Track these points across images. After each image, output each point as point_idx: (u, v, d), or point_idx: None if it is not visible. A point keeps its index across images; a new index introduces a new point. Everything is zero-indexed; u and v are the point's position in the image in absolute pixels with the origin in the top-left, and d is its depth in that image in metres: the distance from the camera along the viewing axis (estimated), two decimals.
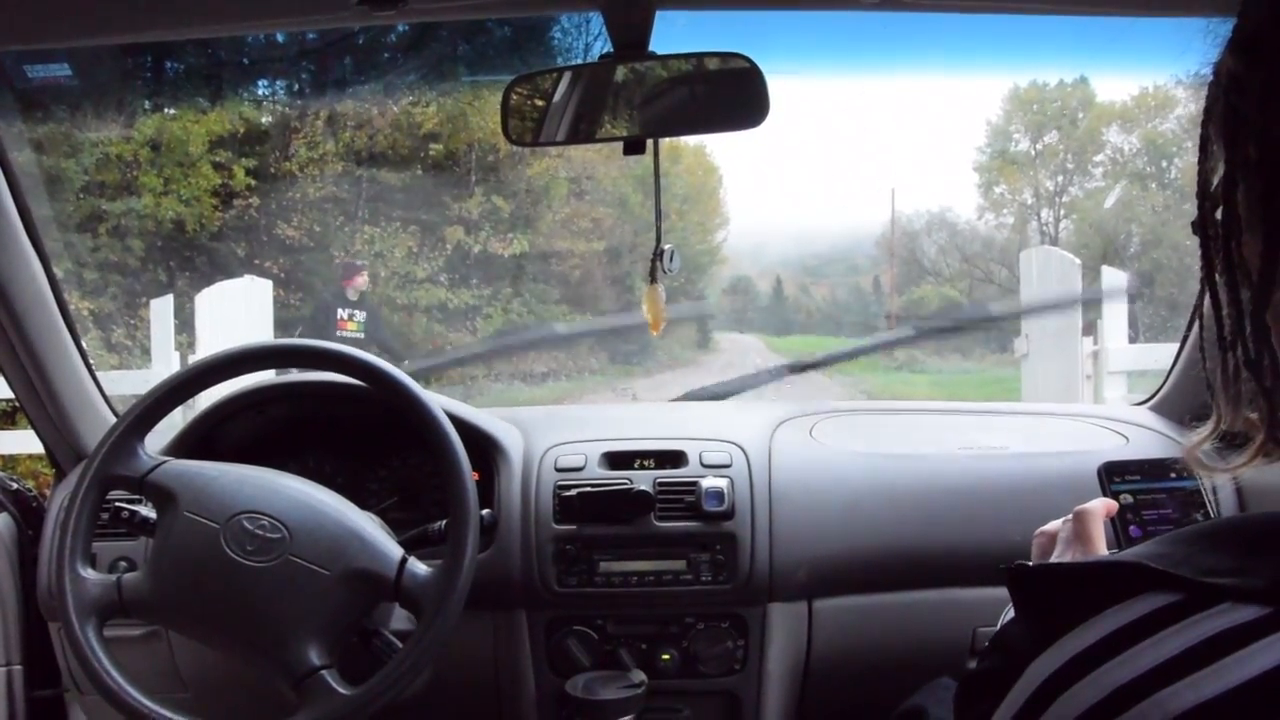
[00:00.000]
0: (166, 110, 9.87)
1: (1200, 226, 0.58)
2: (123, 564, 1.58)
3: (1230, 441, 0.62)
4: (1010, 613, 0.92)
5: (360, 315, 7.34)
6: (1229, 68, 0.55)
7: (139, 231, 9.61)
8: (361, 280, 7.93)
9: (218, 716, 1.31)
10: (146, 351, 6.85)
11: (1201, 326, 0.61)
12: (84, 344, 1.78)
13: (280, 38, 9.60)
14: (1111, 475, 1.22)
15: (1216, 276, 0.58)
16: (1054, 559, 1.01)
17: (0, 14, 1.27)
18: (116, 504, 1.43)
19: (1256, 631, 0.46)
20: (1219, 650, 0.46)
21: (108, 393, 1.84)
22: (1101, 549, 0.99)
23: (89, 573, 1.36)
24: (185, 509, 1.34)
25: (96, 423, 1.78)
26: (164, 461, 1.40)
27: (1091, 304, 5.95)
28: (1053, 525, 1.06)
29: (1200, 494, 1.19)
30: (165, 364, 5.90)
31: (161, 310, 6.30)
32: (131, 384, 5.63)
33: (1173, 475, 1.21)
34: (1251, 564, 0.49)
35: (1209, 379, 0.60)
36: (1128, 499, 1.29)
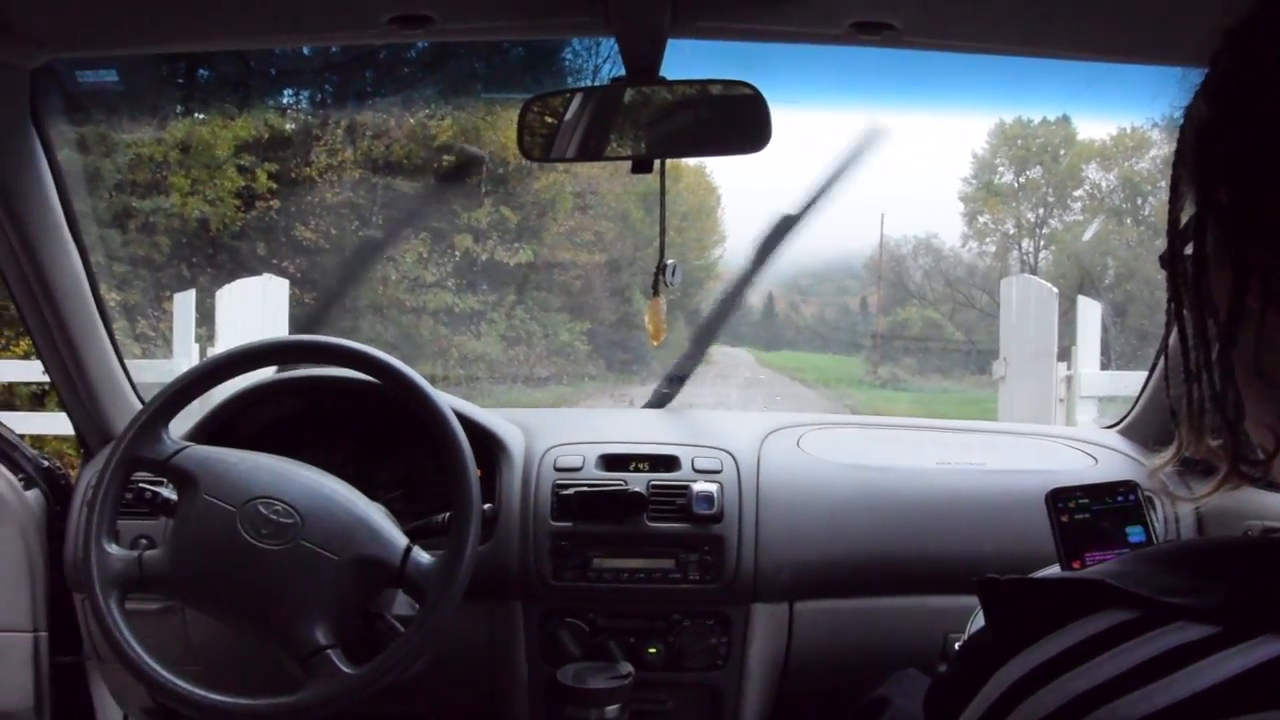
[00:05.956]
0: (197, 115, 9.85)
1: (1169, 262, 0.58)
2: (144, 541, 1.58)
3: (1192, 466, 0.62)
4: (979, 620, 0.92)
5: None
6: (1201, 113, 0.55)
7: (166, 228, 9.58)
8: None
9: (227, 689, 1.31)
10: (168, 342, 6.81)
11: (1167, 358, 0.61)
12: (114, 333, 1.79)
13: (306, 51, 9.59)
14: (1057, 501, 1.23)
15: (1185, 312, 0.57)
16: None
17: (61, 25, 1.29)
18: (140, 485, 1.43)
19: (1206, 648, 0.47)
20: (1172, 664, 0.47)
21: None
22: None
23: (113, 548, 1.37)
24: (205, 492, 1.35)
25: (124, 407, 1.79)
26: (186, 446, 1.41)
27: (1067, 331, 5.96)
28: None
29: (1141, 512, 1.20)
30: (186, 355, 5.87)
31: (184, 304, 6.26)
32: (155, 372, 5.60)
33: (1119, 498, 1.21)
34: (1205, 585, 0.49)
35: (1173, 407, 0.60)
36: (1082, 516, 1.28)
